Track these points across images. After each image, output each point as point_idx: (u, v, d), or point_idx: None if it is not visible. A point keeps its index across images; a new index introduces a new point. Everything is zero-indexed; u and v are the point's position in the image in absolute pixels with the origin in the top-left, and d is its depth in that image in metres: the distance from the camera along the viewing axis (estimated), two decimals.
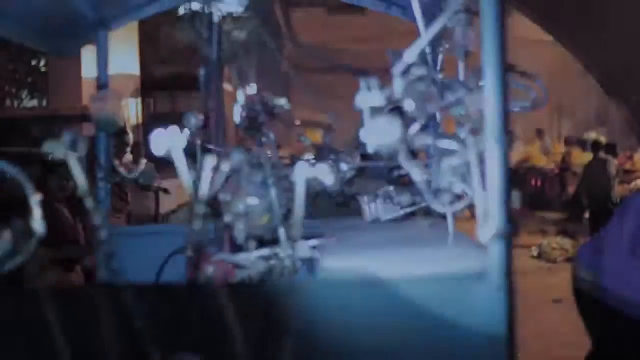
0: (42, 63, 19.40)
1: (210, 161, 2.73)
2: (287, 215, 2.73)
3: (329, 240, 3.13)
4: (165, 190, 13.59)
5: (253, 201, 2.81)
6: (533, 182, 21.87)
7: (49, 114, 14.33)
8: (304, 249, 2.90)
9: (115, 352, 2.20)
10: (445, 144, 2.78)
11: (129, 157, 14.23)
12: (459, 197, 2.89)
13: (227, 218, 2.81)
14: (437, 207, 2.85)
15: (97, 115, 3.38)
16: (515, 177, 23.21)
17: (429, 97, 2.56)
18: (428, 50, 3.46)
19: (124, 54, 18.39)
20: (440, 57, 3.53)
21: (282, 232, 2.75)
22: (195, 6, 3.83)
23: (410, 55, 2.56)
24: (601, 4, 18.39)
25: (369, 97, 2.47)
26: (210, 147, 3.65)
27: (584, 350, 5.93)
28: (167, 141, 2.85)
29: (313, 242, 3.00)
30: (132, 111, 18.12)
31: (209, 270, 2.62)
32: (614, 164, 14.98)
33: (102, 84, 4.19)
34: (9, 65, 18.55)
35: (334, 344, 2.15)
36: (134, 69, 18.94)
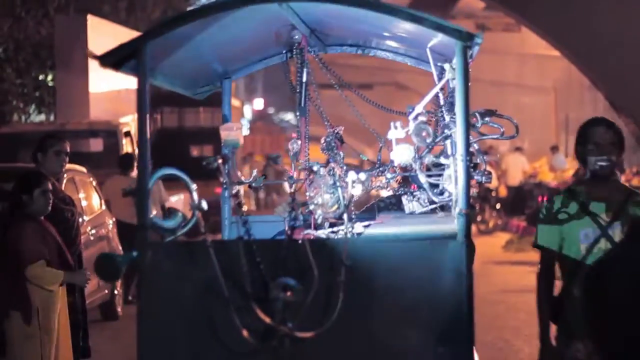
0: (50, 77, 19.41)
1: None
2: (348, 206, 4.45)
3: (377, 222, 4.89)
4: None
5: (327, 196, 4.64)
6: (540, 198, 21.77)
7: (56, 128, 14.34)
8: (358, 226, 4.56)
9: (248, 278, 3.95)
10: (442, 160, 4.83)
11: (134, 172, 14.23)
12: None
13: (311, 207, 4.68)
14: (438, 200, 4.90)
15: (225, 138, 4.95)
16: (521, 192, 23.10)
17: (425, 135, 4.60)
18: (442, 99, 5.05)
19: None
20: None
21: (345, 216, 4.35)
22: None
23: (419, 107, 4.65)
24: (607, 20, 18.39)
25: (395, 132, 4.71)
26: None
27: None
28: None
29: (365, 223, 4.68)
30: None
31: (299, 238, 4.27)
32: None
33: (226, 116, 5.63)
34: (17, 80, 18.53)
35: (365, 271, 3.99)
36: None
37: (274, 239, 4.44)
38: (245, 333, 3.92)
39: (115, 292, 11.55)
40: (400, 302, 3.99)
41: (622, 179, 15.13)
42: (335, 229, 4.53)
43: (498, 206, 22.73)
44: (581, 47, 19.12)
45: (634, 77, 18.33)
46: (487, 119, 4.93)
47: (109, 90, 17.40)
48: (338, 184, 4.62)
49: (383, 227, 4.77)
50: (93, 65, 16.42)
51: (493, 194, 22.31)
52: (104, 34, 17.08)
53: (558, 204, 4.68)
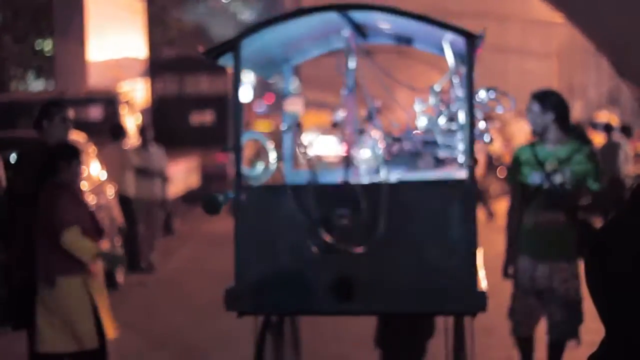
0: (48, 46, 19.23)
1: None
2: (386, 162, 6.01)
3: (406, 172, 6.28)
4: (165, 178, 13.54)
5: (369, 154, 6.06)
6: None
7: (55, 97, 14.20)
8: (393, 175, 5.99)
9: (316, 210, 5.44)
10: (453, 126, 6.04)
11: (126, 142, 14.11)
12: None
13: (357, 163, 6.07)
14: (453, 156, 6.10)
15: (288, 110, 6.07)
16: None
17: (437, 109, 6.03)
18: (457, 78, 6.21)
19: (130, 37, 18.26)
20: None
21: (382, 169, 5.90)
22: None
23: (437, 87, 6.09)
24: None
25: (420, 105, 6.06)
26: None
27: (595, 335, 5.73)
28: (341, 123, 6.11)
29: (397, 172, 6.17)
30: (139, 94, 17.98)
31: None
32: (627, 146, 14.73)
33: (287, 93, 6.77)
34: (14, 48, 18.35)
35: (398, 204, 5.43)
36: (141, 53, 18.81)
37: (335, 183, 5.83)
38: (314, 249, 5.49)
39: None
40: (424, 226, 5.53)
41: (630, 143, 15.00)
42: (376, 177, 5.93)
43: (504, 173, 22.62)
44: (585, 10, 18.91)
45: (638, 41, 18.14)
46: (491, 94, 6.04)
47: (108, 58, 17.24)
48: (377, 144, 6.10)
49: (411, 176, 6.25)
50: (92, 32, 16.25)
51: (498, 160, 22.20)
52: (103, 1, 16.91)
53: (518, 153, 6.36)
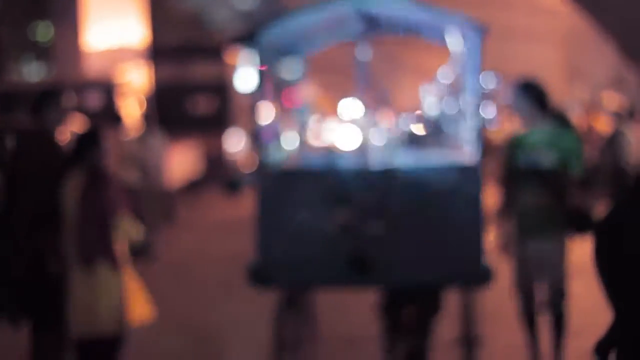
0: (45, 34, 19.13)
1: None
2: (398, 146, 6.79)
3: (417, 154, 6.75)
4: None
5: (380, 138, 6.72)
6: None
7: (53, 85, 14.10)
8: (405, 159, 6.45)
9: (334, 193, 5.89)
10: (459, 114, 6.62)
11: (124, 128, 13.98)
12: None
13: (367, 148, 6.59)
14: (460, 140, 6.66)
15: (304, 99, 6.67)
16: None
17: (443, 96, 7.14)
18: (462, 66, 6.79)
19: (130, 24, 18.14)
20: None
21: (394, 153, 6.40)
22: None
23: (444, 76, 7.53)
24: None
25: (427, 90, 8.01)
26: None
27: (602, 318, 5.60)
28: (353, 109, 7.12)
29: (408, 156, 6.60)
30: (139, 81, 17.86)
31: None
32: (631, 133, 14.53)
33: (299, 81, 7.57)
34: (10, 36, 18.23)
35: (411, 186, 5.97)
36: (141, 40, 18.70)
37: (351, 169, 6.18)
38: (333, 228, 5.89)
39: None
40: (435, 206, 5.97)
41: (635, 128, 14.88)
42: (389, 160, 6.41)
43: None
44: None
45: None
46: (497, 81, 6.73)
47: (107, 45, 17.16)
48: (387, 131, 6.76)
49: (423, 160, 6.65)
50: (91, 19, 16.15)
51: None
52: None
53: (512, 140, 6.75)
